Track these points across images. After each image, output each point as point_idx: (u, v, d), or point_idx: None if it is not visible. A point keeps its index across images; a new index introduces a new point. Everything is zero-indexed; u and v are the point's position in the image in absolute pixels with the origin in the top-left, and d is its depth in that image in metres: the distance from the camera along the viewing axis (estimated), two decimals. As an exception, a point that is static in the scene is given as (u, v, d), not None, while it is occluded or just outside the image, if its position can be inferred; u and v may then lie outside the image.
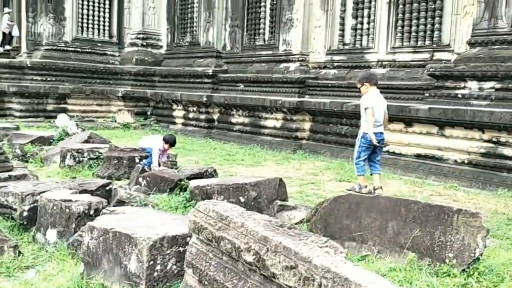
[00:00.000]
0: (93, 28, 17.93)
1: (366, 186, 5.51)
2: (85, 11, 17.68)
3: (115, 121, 16.36)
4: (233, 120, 14.75)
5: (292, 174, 9.59)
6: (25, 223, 4.73)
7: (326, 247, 2.45)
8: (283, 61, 14.48)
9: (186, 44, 17.79)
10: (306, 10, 13.94)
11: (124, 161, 7.44)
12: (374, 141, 5.45)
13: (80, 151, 8.09)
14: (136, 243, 3.26)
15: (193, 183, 5.83)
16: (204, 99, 15.17)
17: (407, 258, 4.03)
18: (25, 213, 4.69)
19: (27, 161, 8.78)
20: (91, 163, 8.05)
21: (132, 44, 18.40)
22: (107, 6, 18.10)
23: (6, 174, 5.66)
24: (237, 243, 2.62)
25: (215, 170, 7.57)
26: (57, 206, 4.41)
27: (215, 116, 15.42)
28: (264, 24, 15.23)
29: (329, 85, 13.00)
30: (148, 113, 17.38)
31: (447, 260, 3.92)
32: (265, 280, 2.52)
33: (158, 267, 3.25)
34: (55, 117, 16.11)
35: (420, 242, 4.11)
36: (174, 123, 16.60)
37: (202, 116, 15.53)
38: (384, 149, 10.86)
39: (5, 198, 4.76)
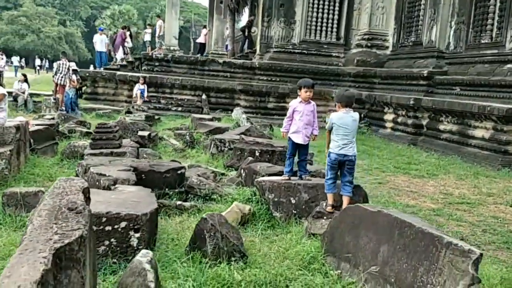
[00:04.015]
0: (320, 31, 18.40)
1: (332, 206, 4.49)
2: (314, 14, 18.27)
3: (324, 121, 16.47)
4: (441, 127, 13.16)
5: (456, 191, 8.07)
6: (85, 191, 5.30)
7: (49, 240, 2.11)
8: (508, 61, 12.28)
9: (410, 44, 16.67)
10: (542, -1, 11.51)
11: (245, 153, 7.49)
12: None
13: (222, 141, 8.52)
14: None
15: (259, 178, 5.54)
16: (411, 102, 13.98)
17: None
18: (88, 182, 5.26)
19: (193, 147, 9.69)
20: (230, 153, 8.37)
21: (358, 45, 18.23)
22: (336, 8, 18.32)
23: (109, 150, 6.44)
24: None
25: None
26: (93, 179, 4.83)
27: (424, 122, 14.02)
28: (493, 19, 13.13)
29: (561, 90, 10.49)
30: (362, 115, 16.92)
31: (420, 310, 2.80)
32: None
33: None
34: (274, 115, 17.27)
35: (403, 278, 3.04)
36: (384, 127, 15.77)
37: (410, 121, 14.33)
38: None
39: (77, 168, 5.44)
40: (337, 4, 18.35)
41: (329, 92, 17.25)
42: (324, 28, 18.43)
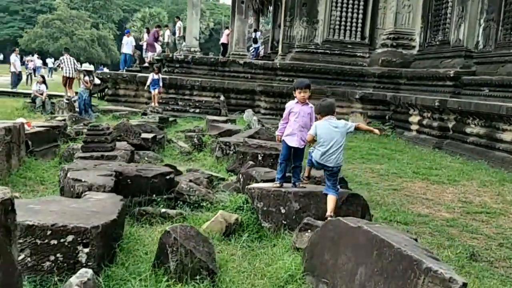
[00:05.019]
0: (344, 30, 17.86)
1: (307, 177, 4.85)
2: (337, 13, 17.74)
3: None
4: (468, 130, 12.47)
5: (477, 199, 7.48)
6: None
7: None
8: (541, 60, 11.53)
9: (437, 43, 15.97)
10: None
11: (248, 157, 7.11)
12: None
13: (227, 144, 8.17)
14: None
15: (250, 185, 5.16)
16: (436, 104, 13.31)
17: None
18: (65, 188, 4.99)
19: (201, 150, 9.38)
20: (235, 156, 8.01)
21: (383, 45, 17.60)
22: (361, 6, 17.73)
23: (99, 154, 6.18)
24: None
25: (342, 178, 6.51)
26: (69, 184, 4.55)
27: (450, 124, 13.33)
28: (524, 15, 12.38)
29: None
30: (387, 117, 16.30)
31: None
32: None
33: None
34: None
35: (379, 308, 2.61)
36: (409, 129, 15.11)
37: (435, 124, 13.66)
38: None
39: (60, 172, 5.19)
40: (361, 3, 17.76)
41: (353, 93, 16.71)
42: (348, 28, 17.87)
